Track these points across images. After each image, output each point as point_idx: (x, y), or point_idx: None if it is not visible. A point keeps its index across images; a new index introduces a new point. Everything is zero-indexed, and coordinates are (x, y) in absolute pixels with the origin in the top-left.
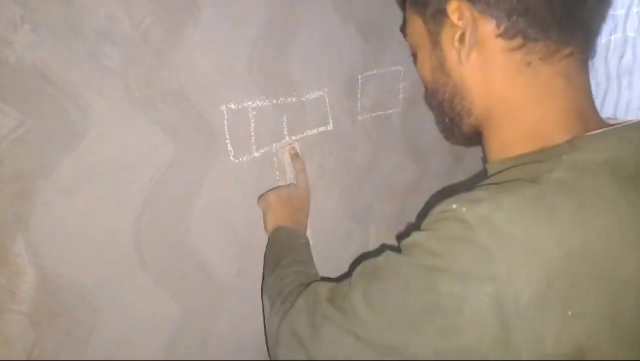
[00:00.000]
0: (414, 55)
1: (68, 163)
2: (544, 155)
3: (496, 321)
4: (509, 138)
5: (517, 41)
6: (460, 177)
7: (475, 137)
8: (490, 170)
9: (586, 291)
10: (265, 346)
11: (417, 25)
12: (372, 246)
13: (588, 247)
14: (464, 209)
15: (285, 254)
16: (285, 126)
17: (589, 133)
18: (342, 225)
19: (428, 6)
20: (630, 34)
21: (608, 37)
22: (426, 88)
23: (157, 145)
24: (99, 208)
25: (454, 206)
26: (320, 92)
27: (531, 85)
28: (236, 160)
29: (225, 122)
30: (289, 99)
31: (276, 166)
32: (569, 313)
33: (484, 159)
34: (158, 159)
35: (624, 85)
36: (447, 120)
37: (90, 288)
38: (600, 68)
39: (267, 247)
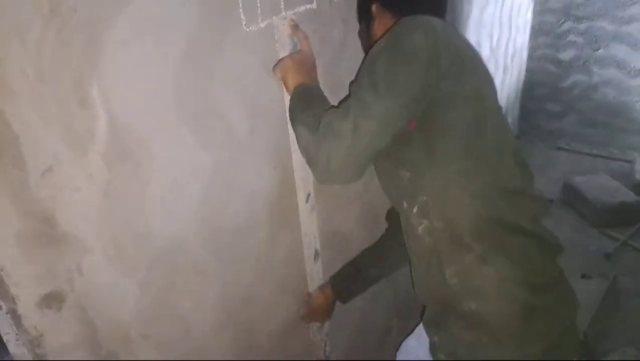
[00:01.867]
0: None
1: (125, 17)
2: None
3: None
4: None
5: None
6: None
7: None
8: None
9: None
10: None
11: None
12: None
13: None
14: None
15: (314, 101)
16: (282, 1)
17: None
18: None
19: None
20: None
21: None
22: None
23: (189, 7)
24: (148, 60)
25: None
26: None
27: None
28: (247, 29)
29: None
30: None
31: (276, 37)
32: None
33: None
34: (190, 21)
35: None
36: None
37: (146, 136)
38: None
39: (292, 100)
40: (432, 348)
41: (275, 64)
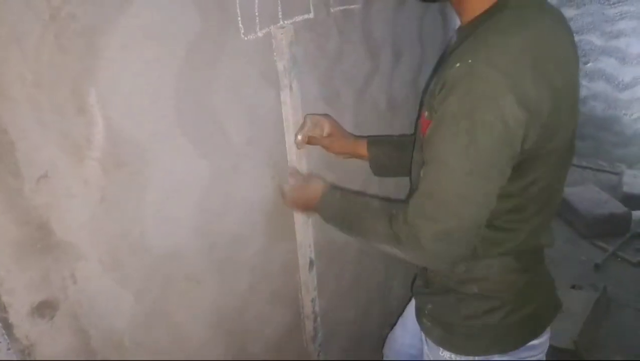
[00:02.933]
0: None
1: (124, 24)
2: (495, 10)
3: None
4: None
5: None
6: (401, 67)
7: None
8: (466, 30)
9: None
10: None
11: None
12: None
13: (560, 80)
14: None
15: (352, 208)
16: (280, 10)
17: None
18: (317, 107)
19: None
20: None
21: None
22: None
23: (188, 15)
24: (147, 67)
25: (470, 61)
26: None
27: None
28: (245, 38)
29: (237, 0)
30: None
31: (274, 46)
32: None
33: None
34: (190, 29)
35: None
36: None
37: (144, 143)
38: None
39: (328, 218)
40: (420, 313)
41: (283, 197)
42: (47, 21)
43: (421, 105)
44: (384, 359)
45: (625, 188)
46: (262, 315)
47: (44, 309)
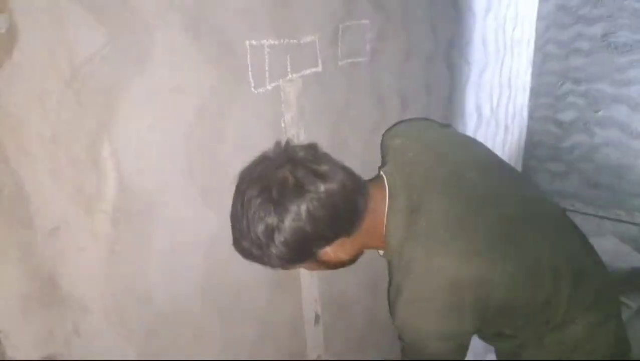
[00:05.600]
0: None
1: (140, 82)
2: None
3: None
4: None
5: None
6: (408, 115)
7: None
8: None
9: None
10: None
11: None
12: None
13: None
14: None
15: None
16: (289, 64)
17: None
18: None
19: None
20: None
21: (505, 11)
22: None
23: (202, 71)
24: (159, 121)
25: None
26: (313, 37)
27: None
28: (255, 91)
29: (248, 56)
30: (292, 40)
31: (282, 99)
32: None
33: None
34: (203, 84)
35: (515, 53)
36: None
37: (154, 195)
38: (499, 38)
39: None
40: None
41: None
42: (68, 81)
43: None
44: None
45: None
46: None
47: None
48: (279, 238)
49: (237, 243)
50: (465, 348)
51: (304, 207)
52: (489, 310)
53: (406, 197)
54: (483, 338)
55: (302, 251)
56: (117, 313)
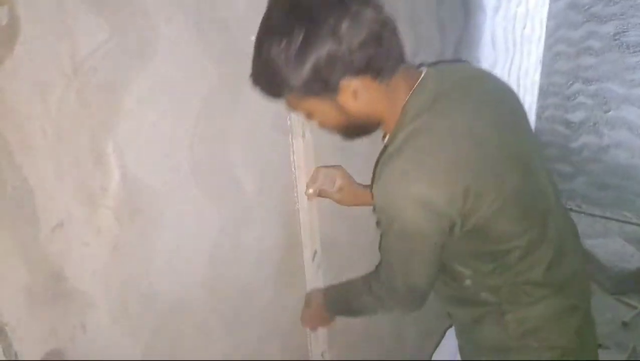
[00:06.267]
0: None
1: (144, 77)
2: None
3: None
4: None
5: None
6: None
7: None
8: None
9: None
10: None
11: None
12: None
13: (473, 154)
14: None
15: (346, 294)
16: None
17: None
18: (330, 155)
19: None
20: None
21: (515, 9)
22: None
23: (207, 67)
24: (163, 118)
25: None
26: None
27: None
28: None
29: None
30: None
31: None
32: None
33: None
34: (207, 80)
35: (525, 52)
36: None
37: (158, 192)
38: (509, 37)
39: (336, 311)
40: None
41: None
42: (70, 75)
43: None
44: None
45: None
46: None
47: (52, 357)
48: (313, 48)
49: (263, 49)
50: (439, 247)
51: (345, 23)
52: (470, 219)
53: (433, 92)
54: (445, 296)
55: (329, 72)
56: (122, 309)
